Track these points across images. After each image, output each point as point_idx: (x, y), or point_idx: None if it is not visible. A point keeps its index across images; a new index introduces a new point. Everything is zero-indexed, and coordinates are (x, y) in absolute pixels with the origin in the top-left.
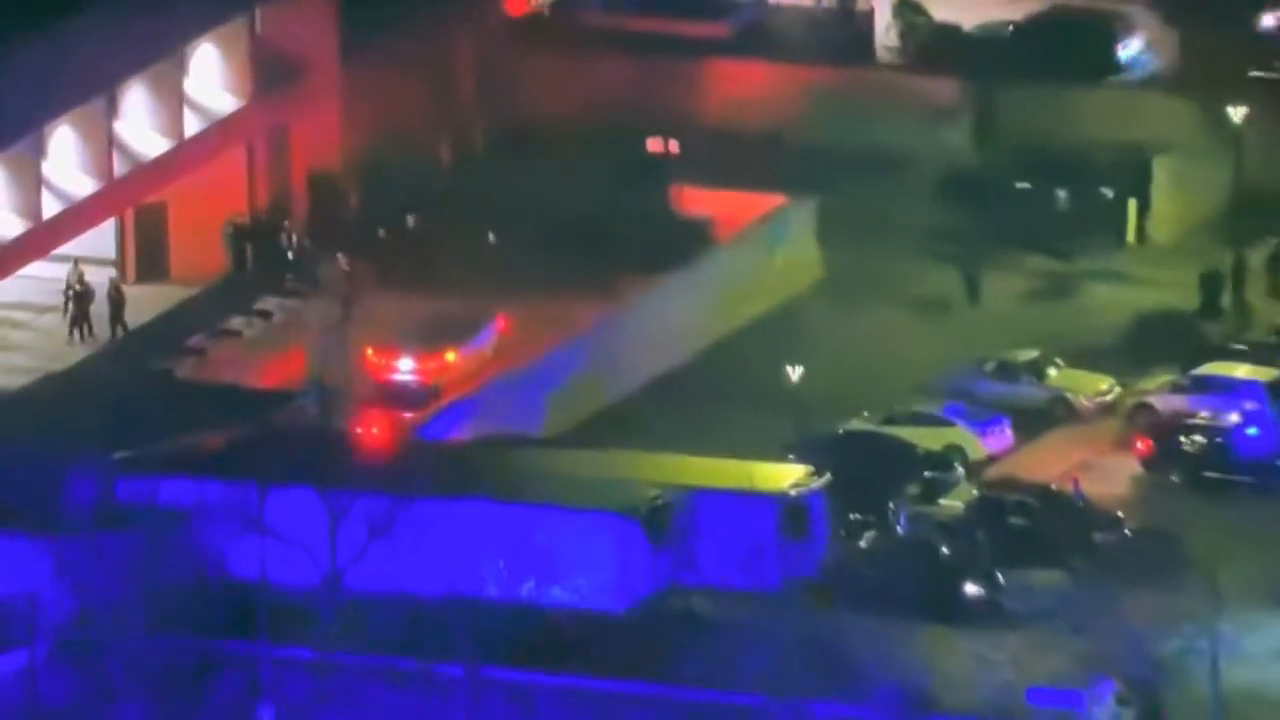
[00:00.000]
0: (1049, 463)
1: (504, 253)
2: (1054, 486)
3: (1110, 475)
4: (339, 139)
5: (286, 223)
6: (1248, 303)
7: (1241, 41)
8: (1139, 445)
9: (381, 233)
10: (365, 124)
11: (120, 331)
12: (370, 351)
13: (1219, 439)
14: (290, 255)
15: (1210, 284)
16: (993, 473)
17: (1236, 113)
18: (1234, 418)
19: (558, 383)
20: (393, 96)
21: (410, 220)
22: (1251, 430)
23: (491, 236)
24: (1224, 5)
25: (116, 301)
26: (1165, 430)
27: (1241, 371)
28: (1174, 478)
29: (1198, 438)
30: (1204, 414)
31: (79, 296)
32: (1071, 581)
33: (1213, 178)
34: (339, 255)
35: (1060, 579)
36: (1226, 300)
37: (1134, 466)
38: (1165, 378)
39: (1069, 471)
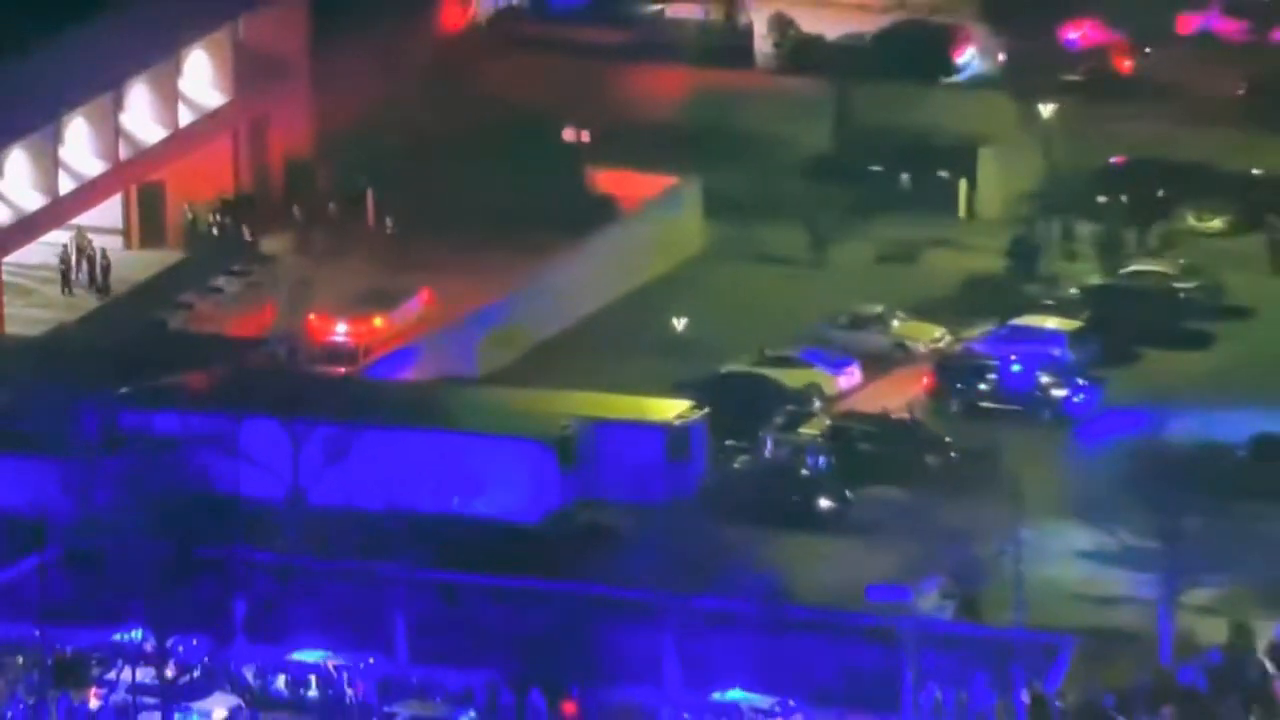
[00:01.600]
0: (891, 397)
1: (401, 236)
2: (894, 417)
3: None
4: (311, 128)
5: (218, 205)
6: (1056, 266)
7: (1052, 50)
8: (925, 381)
9: (297, 211)
10: (332, 115)
11: (103, 291)
12: (312, 316)
13: (991, 375)
14: (214, 232)
15: (1019, 250)
16: (844, 406)
17: (1047, 109)
18: (1012, 357)
19: (487, 332)
20: (356, 92)
21: (331, 206)
22: (1016, 368)
23: (389, 222)
24: (1039, 20)
25: (104, 266)
26: (949, 369)
27: (1050, 323)
28: (953, 408)
29: (990, 376)
30: (979, 354)
31: (65, 260)
32: (906, 496)
33: (1028, 163)
34: (244, 229)
35: (897, 494)
36: (1041, 264)
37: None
38: (986, 327)
39: (906, 404)
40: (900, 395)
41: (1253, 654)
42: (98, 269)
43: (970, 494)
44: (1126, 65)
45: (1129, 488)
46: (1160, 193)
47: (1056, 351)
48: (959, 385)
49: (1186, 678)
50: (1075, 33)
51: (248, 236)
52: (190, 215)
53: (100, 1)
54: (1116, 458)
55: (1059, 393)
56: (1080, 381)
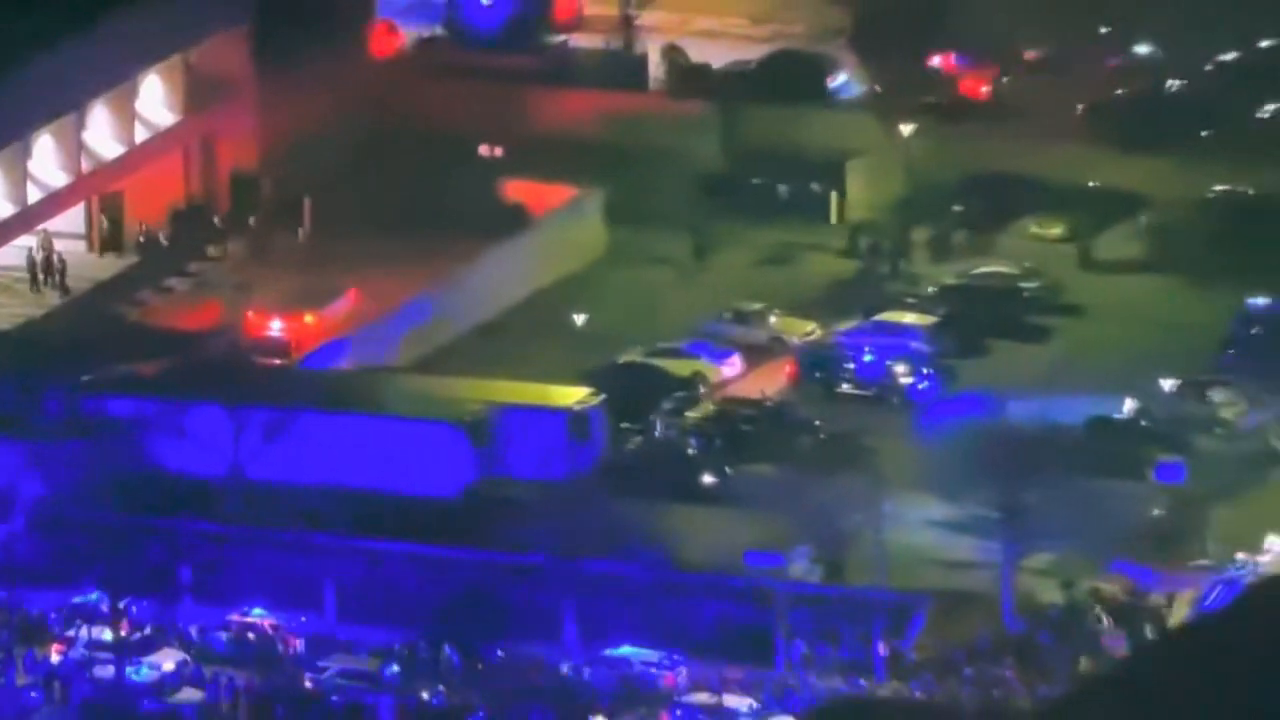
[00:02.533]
0: (768, 385)
1: (331, 241)
2: (770, 402)
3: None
4: (254, 144)
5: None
6: (916, 267)
7: (916, 76)
8: (787, 369)
9: (240, 219)
10: (274, 132)
11: (57, 288)
12: (250, 313)
13: (848, 364)
14: (142, 240)
15: (871, 252)
16: (726, 392)
17: (906, 128)
18: (866, 348)
19: (411, 326)
20: (295, 112)
21: (269, 214)
22: (868, 358)
23: (309, 229)
24: (903, 49)
25: (60, 268)
26: (810, 359)
27: (909, 318)
28: (813, 394)
29: (847, 365)
30: (837, 346)
31: (32, 262)
32: (780, 472)
33: (890, 175)
34: (193, 235)
35: (772, 470)
36: (900, 265)
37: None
38: (853, 322)
39: (781, 391)
40: (776, 383)
41: (1085, 611)
42: (55, 270)
43: (836, 471)
44: (983, 90)
45: (977, 464)
46: (1007, 202)
47: (914, 344)
48: (818, 373)
49: (1026, 632)
50: (938, 61)
51: (196, 242)
52: (106, 223)
53: (64, 30)
54: (966, 437)
55: (906, 380)
56: (925, 370)
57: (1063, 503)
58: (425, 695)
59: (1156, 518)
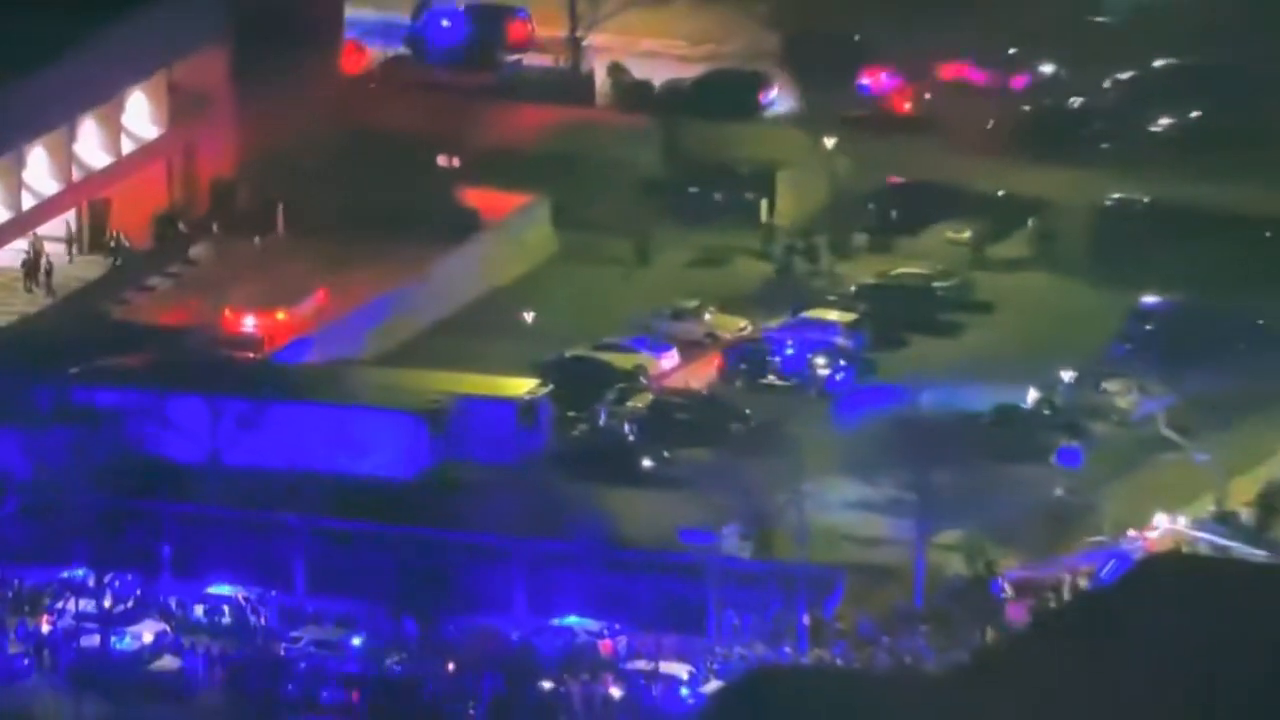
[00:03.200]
0: (703, 377)
1: (301, 243)
2: (705, 392)
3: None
4: (233, 154)
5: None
6: (839, 267)
7: (840, 93)
8: (715, 361)
9: (218, 223)
10: (250, 142)
11: (47, 289)
12: (226, 311)
13: (770, 357)
14: (113, 245)
15: (794, 254)
16: (664, 383)
17: (829, 141)
18: (788, 343)
19: (375, 323)
20: (271, 124)
21: (245, 218)
22: (790, 352)
23: (273, 236)
24: (830, 68)
25: (47, 270)
26: (737, 353)
27: (832, 315)
28: (738, 384)
29: (771, 359)
30: (762, 341)
31: (25, 262)
32: (713, 456)
33: (817, 184)
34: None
35: (706, 455)
36: (822, 266)
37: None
38: (780, 318)
39: (715, 383)
40: (707, 375)
41: (989, 583)
42: (42, 271)
43: (763, 455)
44: (906, 106)
45: (892, 449)
46: (923, 209)
47: (837, 339)
48: (744, 366)
49: (937, 603)
50: (865, 80)
51: (177, 244)
52: (92, 228)
53: (55, 50)
54: (882, 424)
55: (824, 372)
56: (841, 362)
57: (970, 485)
58: (387, 662)
59: (1057, 498)
